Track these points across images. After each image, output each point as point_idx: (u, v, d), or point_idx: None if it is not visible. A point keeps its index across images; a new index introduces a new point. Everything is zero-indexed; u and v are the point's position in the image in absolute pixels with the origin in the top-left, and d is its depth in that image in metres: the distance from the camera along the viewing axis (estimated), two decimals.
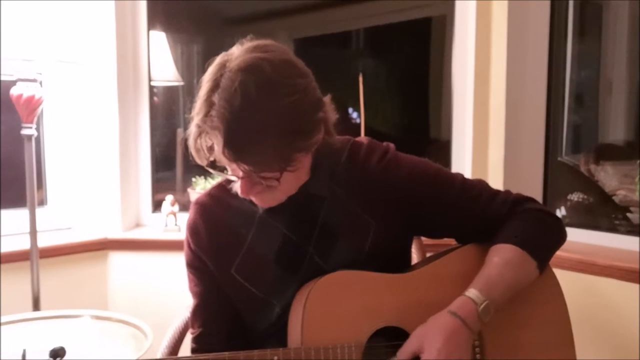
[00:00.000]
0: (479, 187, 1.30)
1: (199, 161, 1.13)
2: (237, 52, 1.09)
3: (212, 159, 1.12)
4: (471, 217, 1.28)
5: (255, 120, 1.04)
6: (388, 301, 1.20)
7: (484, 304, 1.16)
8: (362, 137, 1.31)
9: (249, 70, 1.05)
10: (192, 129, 1.10)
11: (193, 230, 1.28)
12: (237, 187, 1.16)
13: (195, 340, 1.30)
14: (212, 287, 1.28)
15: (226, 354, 1.11)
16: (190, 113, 1.10)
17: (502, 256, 1.22)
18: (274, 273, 1.23)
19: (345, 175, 1.24)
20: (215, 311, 1.29)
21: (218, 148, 1.07)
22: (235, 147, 1.05)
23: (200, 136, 1.09)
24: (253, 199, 1.18)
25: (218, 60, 1.10)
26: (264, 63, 1.06)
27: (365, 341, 1.16)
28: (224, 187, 1.29)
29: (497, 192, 1.31)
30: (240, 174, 1.09)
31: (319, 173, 1.21)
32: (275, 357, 1.11)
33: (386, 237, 1.25)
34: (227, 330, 1.28)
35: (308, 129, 1.10)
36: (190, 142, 1.12)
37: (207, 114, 1.06)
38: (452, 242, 1.36)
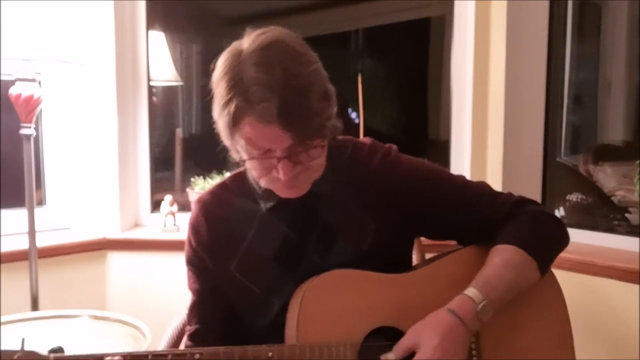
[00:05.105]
0: (480, 189, 1.31)
1: (236, 156, 1.16)
2: (247, 40, 1.11)
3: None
4: (472, 218, 1.28)
5: (298, 85, 1.06)
6: (385, 301, 1.19)
7: (482, 304, 1.15)
8: (365, 138, 1.32)
9: (275, 45, 1.09)
10: (224, 120, 1.09)
11: (194, 228, 1.29)
12: (266, 181, 1.15)
13: (191, 337, 1.30)
14: (210, 285, 1.28)
15: (221, 348, 1.11)
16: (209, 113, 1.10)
17: (503, 257, 1.21)
18: (273, 271, 1.24)
19: (347, 174, 1.25)
20: (212, 309, 1.29)
21: (263, 124, 1.05)
22: (288, 113, 1.05)
23: (238, 125, 1.08)
24: (286, 189, 1.16)
25: (228, 52, 1.11)
26: (284, 37, 1.11)
27: (361, 340, 1.16)
28: (226, 186, 1.30)
29: (499, 193, 1.31)
30: (280, 153, 1.09)
31: (322, 172, 1.21)
32: (270, 354, 1.12)
33: (386, 237, 1.25)
34: (223, 329, 1.28)
35: (331, 95, 1.13)
36: (225, 134, 1.11)
37: (244, 94, 1.06)
38: (452, 244, 1.36)
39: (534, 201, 1.32)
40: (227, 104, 1.08)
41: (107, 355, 1.08)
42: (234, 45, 1.11)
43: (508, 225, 1.25)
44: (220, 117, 1.11)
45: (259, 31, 1.12)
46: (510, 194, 1.31)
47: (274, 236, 1.24)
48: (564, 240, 1.30)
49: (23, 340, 1.09)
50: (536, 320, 1.26)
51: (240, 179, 1.28)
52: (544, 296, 1.28)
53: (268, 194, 1.22)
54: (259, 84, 1.05)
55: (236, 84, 1.07)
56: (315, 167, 1.16)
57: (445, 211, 1.27)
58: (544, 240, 1.26)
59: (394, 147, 1.30)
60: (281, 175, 1.11)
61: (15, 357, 1.06)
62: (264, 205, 1.24)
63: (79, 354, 1.09)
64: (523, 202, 1.30)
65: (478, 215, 1.27)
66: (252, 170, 1.17)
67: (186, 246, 1.31)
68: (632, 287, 1.87)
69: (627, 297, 1.89)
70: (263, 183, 1.17)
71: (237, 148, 1.13)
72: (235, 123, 1.08)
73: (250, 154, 1.11)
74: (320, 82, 1.11)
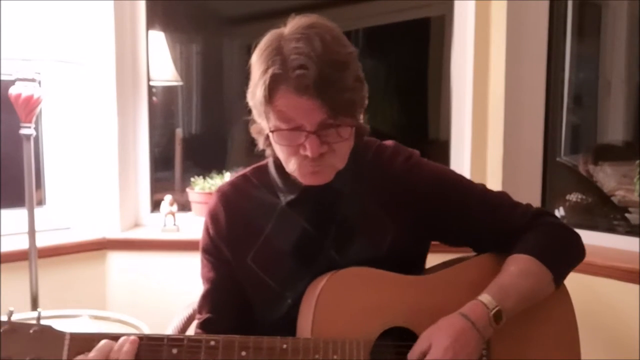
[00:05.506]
0: (500, 198, 1.32)
1: (261, 143, 1.22)
2: (289, 24, 1.14)
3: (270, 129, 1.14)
4: (490, 225, 1.29)
5: (335, 60, 1.10)
6: (400, 302, 1.20)
7: (495, 310, 1.16)
8: (389, 141, 1.33)
9: (316, 24, 1.13)
10: (259, 92, 1.11)
11: (213, 217, 1.29)
12: (292, 162, 1.16)
13: (201, 325, 1.31)
14: (225, 275, 1.29)
15: (236, 336, 1.12)
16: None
17: (519, 266, 1.22)
18: (289, 265, 1.24)
19: (369, 174, 1.27)
20: (225, 299, 1.30)
21: (298, 94, 1.08)
22: (324, 84, 1.07)
23: (272, 97, 1.10)
24: (310, 175, 1.17)
25: (270, 34, 1.15)
26: (324, 22, 1.16)
27: (374, 339, 1.16)
28: (247, 177, 1.32)
29: (518, 203, 1.32)
30: (310, 127, 1.10)
31: (344, 169, 1.22)
32: (284, 346, 1.12)
33: (403, 238, 1.26)
34: (234, 320, 1.28)
35: (364, 83, 1.17)
36: (259, 106, 1.13)
37: (282, 62, 1.08)
38: (467, 251, 1.36)
39: (553, 214, 1.34)
40: (264, 72, 1.10)
41: (124, 335, 1.09)
42: (276, 30, 1.15)
43: (526, 236, 1.26)
44: (255, 91, 1.13)
45: (299, 16, 1.16)
46: (529, 205, 1.32)
47: (292, 230, 1.25)
48: (581, 254, 1.31)
49: (39, 313, 1.11)
50: (547, 335, 1.27)
51: (262, 171, 1.30)
52: (556, 310, 1.28)
53: (289, 186, 1.23)
54: (298, 53, 1.08)
55: (275, 55, 1.10)
56: (341, 154, 1.17)
57: (464, 217, 1.28)
58: (561, 253, 1.26)
59: (417, 152, 1.32)
60: (308, 152, 1.12)
61: (32, 330, 1.06)
62: (284, 199, 1.26)
63: (95, 332, 1.10)
64: (542, 213, 1.31)
65: (496, 224, 1.28)
66: (279, 147, 1.17)
67: (203, 234, 1.31)
68: (632, 287, 1.88)
69: (627, 297, 1.89)
70: (289, 166, 1.17)
71: (268, 119, 1.14)
72: (270, 93, 1.10)
73: (280, 128, 1.13)
74: (355, 65, 1.15)
